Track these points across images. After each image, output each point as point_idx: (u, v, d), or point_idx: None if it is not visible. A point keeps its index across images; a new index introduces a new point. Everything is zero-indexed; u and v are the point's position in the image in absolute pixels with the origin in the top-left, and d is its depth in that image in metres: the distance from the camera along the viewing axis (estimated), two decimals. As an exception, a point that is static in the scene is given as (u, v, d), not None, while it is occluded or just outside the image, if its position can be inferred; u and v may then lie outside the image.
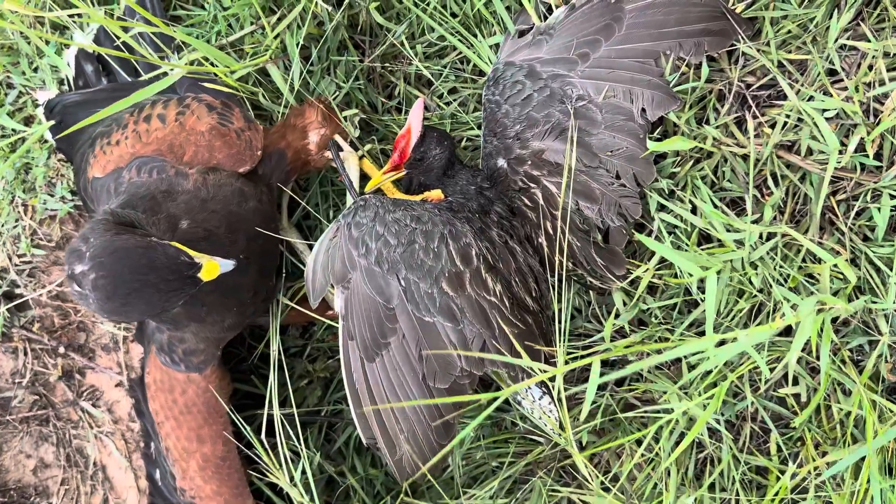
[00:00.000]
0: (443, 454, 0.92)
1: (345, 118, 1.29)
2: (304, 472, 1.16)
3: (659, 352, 0.90)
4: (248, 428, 1.13)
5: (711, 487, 1.20)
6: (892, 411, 1.05)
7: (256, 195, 1.13)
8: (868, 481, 0.98)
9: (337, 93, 1.32)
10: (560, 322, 1.09)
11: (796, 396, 1.16)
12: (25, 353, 1.53)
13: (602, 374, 0.82)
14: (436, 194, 1.24)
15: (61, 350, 1.53)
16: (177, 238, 0.99)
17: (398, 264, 1.05)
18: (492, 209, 1.20)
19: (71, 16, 1.39)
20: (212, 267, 0.94)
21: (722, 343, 0.83)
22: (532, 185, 1.20)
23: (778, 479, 1.16)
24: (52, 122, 1.32)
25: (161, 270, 0.90)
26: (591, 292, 1.27)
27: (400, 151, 1.22)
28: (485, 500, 1.27)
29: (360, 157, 1.29)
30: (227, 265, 0.96)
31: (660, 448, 1.12)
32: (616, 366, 1.29)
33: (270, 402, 1.19)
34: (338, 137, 1.27)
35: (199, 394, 1.18)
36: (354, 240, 1.07)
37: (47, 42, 1.43)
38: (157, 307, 0.93)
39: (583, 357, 1.15)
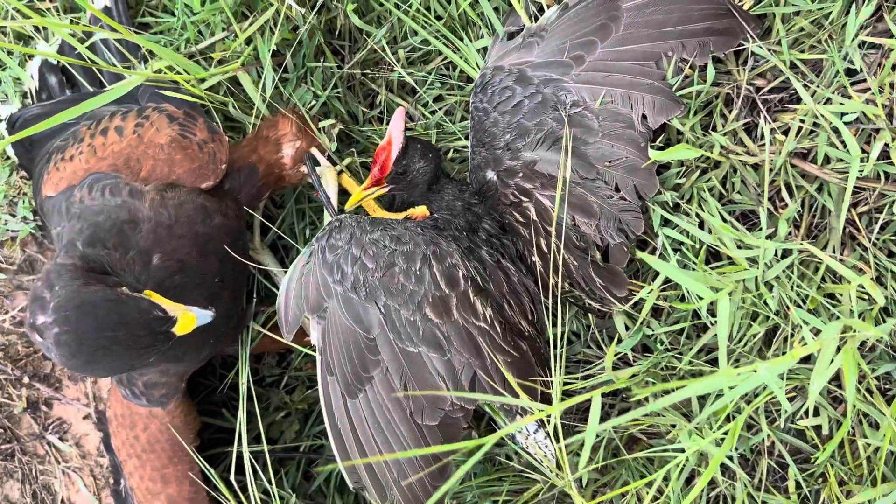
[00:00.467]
0: (437, 497, 0.83)
1: (322, 129, 1.22)
2: (276, 515, 1.08)
3: (667, 392, 0.80)
4: (211, 470, 1.04)
5: (725, 529, 1.11)
6: (925, 446, 0.96)
7: (221, 210, 1.06)
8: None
9: (314, 102, 1.25)
10: (556, 349, 1.00)
11: (817, 429, 1.08)
12: (-12, 384, 1.47)
13: (604, 409, 0.73)
14: (420, 211, 1.17)
15: (26, 380, 1.48)
16: (152, 276, 0.95)
17: (377, 290, 0.98)
18: (480, 226, 1.14)
19: (35, 26, 1.33)
20: (188, 320, 0.88)
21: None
22: (524, 198, 1.14)
23: (798, 519, 1.07)
24: (15, 138, 1.26)
25: (132, 327, 0.85)
26: (590, 315, 1.20)
27: (380, 165, 1.16)
28: (477, 543, 1.18)
29: (339, 172, 1.22)
30: (205, 317, 0.90)
31: (669, 490, 1.03)
32: (619, 394, 1.21)
33: (240, 438, 1.10)
34: (314, 150, 1.20)
35: (163, 430, 1.12)
36: (329, 265, 0.99)
37: (10, 53, 1.38)
38: (125, 366, 0.89)
39: (582, 391, 1.06)
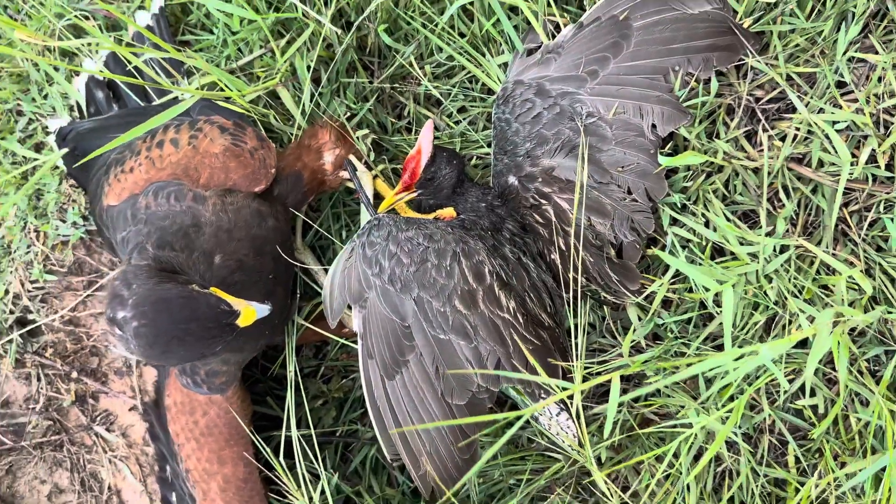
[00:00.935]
0: (470, 475, 0.91)
1: (357, 138, 1.29)
2: (322, 492, 1.16)
3: (676, 369, 0.90)
4: (267, 449, 1.13)
5: (731, 501, 1.20)
6: (911, 421, 1.04)
7: (273, 213, 1.15)
8: (889, 491, 0.98)
9: (347, 114, 1.33)
10: (576, 338, 1.09)
11: (814, 408, 1.16)
12: (38, 379, 1.53)
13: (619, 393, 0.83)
14: (448, 212, 1.25)
15: (74, 375, 1.53)
16: (214, 274, 1.04)
17: (411, 283, 1.06)
18: (504, 226, 1.20)
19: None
20: (249, 313, 0.97)
21: (740, 357, 0.83)
22: (543, 201, 1.21)
23: (797, 491, 1.15)
24: (66, 150, 1.32)
25: (202, 320, 0.94)
26: (605, 307, 1.27)
27: (410, 172, 1.23)
28: (503, 518, 1.26)
29: (374, 177, 1.30)
30: (264, 310, 0.99)
31: (679, 464, 1.12)
32: (632, 380, 1.29)
33: (288, 423, 1.19)
34: (352, 157, 1.28)
35: (221, 415, 1.19)
36: (368, 259, 1.08)
37: (56, 69, 1.44)
38: (196, 354, 0.98)
39: (600, 374, 1.15)
